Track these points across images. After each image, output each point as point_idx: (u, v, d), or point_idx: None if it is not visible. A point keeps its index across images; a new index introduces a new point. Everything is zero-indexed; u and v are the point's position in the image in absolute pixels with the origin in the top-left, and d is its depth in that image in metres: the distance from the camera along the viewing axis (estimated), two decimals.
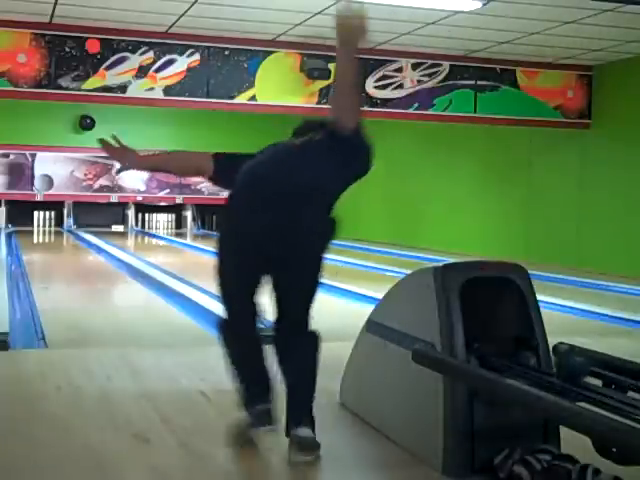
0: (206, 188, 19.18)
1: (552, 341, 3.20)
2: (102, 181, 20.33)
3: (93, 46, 8.93)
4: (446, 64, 10.17)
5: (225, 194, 3.36)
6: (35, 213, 20.93)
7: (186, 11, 8.32)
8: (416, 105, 10.12)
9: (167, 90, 9.21)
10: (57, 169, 20.08)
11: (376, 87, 9.93)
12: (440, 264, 3.23)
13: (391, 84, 10.00)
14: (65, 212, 20.90)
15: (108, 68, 8.99)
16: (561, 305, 7.50)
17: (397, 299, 3.53)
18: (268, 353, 3.36)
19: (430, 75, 10.13)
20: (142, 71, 9.09)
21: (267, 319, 6.50)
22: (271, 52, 9.54)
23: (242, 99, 9.46)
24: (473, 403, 2.94)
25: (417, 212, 15.30)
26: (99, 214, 20.89)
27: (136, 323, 6.63)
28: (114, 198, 20.42)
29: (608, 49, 9.83)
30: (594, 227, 11.04)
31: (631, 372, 2.92)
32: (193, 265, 11.92)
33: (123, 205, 21.08)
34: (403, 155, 16.00)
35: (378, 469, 3.14)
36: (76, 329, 6.19)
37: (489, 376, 2.82)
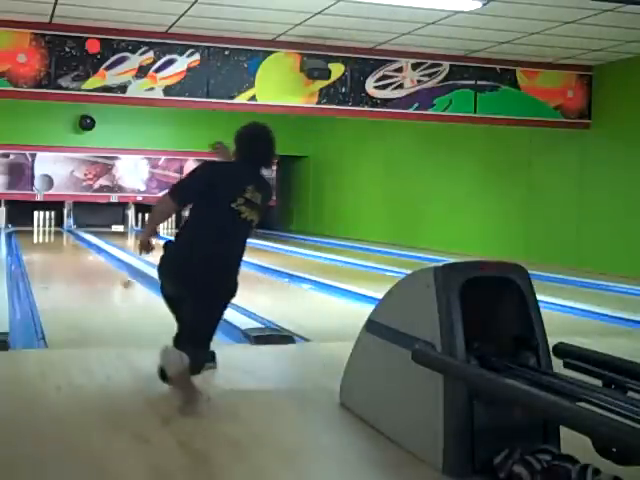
0: None
1: (552, 341, 3.21)
2: (102, 181, 20.34)
3: (93, 46, 8.93)
4: (446, 64, 10.17)
5: None
6: (35, 213, 20.94)
7: (186, 11, 8.32)
8: (416, 105, 10.12)
9: (167, 90, 9.22)
10: (57, 169, 20.09)
11: (376, 87, 9.93)
12: (440, 264, 3.23)
13: (391, 84, 10.00)
14: (65, 212, 20.92)
15: (108, 68, 8.99)
16: (561, 305, 7.50)
17: (397, 299, 3.53)
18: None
19: (430, 75, 10.13)
20: (142, 71, 9.09)
21: (267, 319, 6.49)
22: (271, 52, 9.54)
23: (242, 99, 9.46)
24: (473, 403, 2.94)
25: (417, 212, 15.31)
26: (99, 214, 20.90)
27: (136, 323, 6.64)
28: (114, 198, 20.44)
29: (608, 49, 9.83)
30: (594, 227, 11.04)
31: (631, 372, 2.92)
32: None
33: (123, 205, 21.09)
34: (403, 155, 16.02)
35: (378, 469, 3.14)
36: (76, 329, 6.19)
37: (489, 376, 2.82)
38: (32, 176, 19.93)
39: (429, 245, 14.31)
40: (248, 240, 4.40)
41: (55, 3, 8.01)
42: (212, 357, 4.54)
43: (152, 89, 9.18)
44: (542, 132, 11.41)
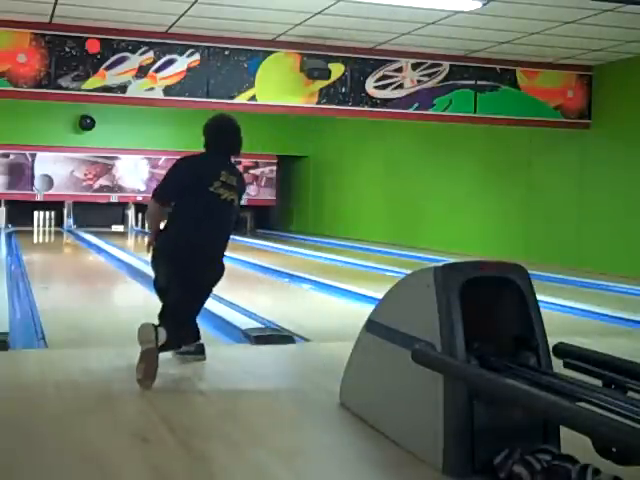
0: None
1: (552, 341, 3.21)
2: (102, 181, 20.34)
3: (93, 46, 8.93)
4: (446, 64, 10.17)
5: None
6: (35, 213, 20.94)
7: (186, 11, 8.32)
8: (416, 105, 10.12)
9: (167, 90, 9.21)
10: (57, 169, 20.09)
11: (376, 87, 9.93)
12: (440, 264, 3.23)
13: (391, 84, 10.00)
14: (65, 212, 20.92)
15: (108, 68, 8.98)
16: (561, 305, 7.50)
17: (397, 299, 3.53)
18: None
19: (430, 75, 10.12)
20: (142, 71, 9.09)
21: (267, 319, 6.48)
22: (271, 52, 9.53)
23: (242, 99, 9.46)
24: (473, 403, 2.94)
25: (417, 212, 15.31)
26: (99, 214, 20.90)
27: (136, 323, 6.60)
28: (114, 198, 20.44)
29: (608, 49, 9.83)
30: (594, 227, 11.04)
31: (631, 372, 2.92)
32: None
33: (123, 205, 21.09)
34: (403, 155, 16.02)
35: (378, 469, 3.14)
36: (76, 329, 6.19)
37: (489, 376, 2.82)
38: (32, 176, 19.93)
39: (429, 245, 14.31)
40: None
41: (55, 3, 8.01)
42: (201, 350, 4.81)
43: (152, 89, 9.18)
44: (542, 132, 11.40)
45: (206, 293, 4.78)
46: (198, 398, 4.02)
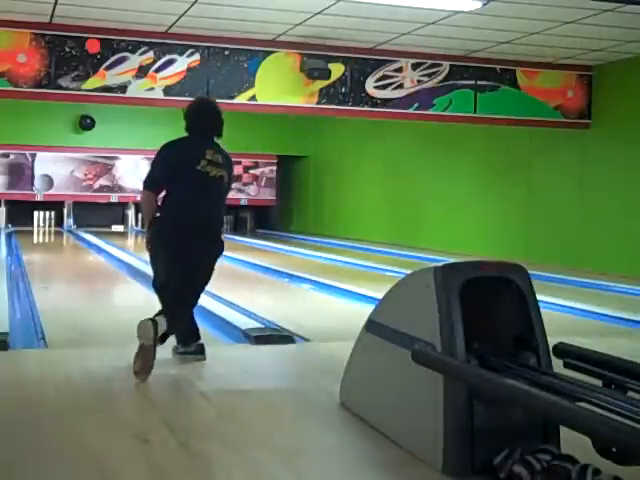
0: None
1: (552, 341, 3.21)
2: (102, 181, 20.34)
3: (93, 46, 8.93)
4: (446, 64, 10.17)
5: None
6: (35, 213, 20.94)
7: (186, 11, 8.32)
8: (416, 105, 10.12)
9: (167, 90, 9.21)
10: (57, 169, 20.09)
11: (376, 87, 9.93)
12: (440, 264, 3.23)
13: (391, 84, 10.00)
14: (65, 212, 20.91)
15: (108, 68, 8.98)
16: (561, 305, 7.50)
17: (397, 299, 3.53)
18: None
19: (430, 75, 10.12)
20: (142, 71, 9.09)
21: (267, 319, 6.48)
22: (271, 52, 9.53)
23: (242, 99, 9.46)
24: (473, 403, 2.94)
25: (417, 212, 15.31)
26: (99, 214, 20.90)
27: (136, 323, 6.62)
28: (114, 198, 20.44)
29: (608, 49, 9.82)
30: (594, 227, 11.04)
31: (631, 372, 2.92)
32: None
33: (123, 205, 21.09)
34: (403, 155, 16.02)
35: (378, 469, 3.14)
36: (76, 329, 6.19)
37: (489, 376, 2.82)
38: (32, 176, 19.93)
39: (429, 245, 14.31)
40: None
41: (55, 3, 8.01)
42: (201, 350, 4.82)
43: (152, 89, 9.17)
44: (542, 132, 11.40)
45: (207, 272, 4.78)
46: (198, 398, 4.02)
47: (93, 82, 8.97)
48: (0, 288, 7.81)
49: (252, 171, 21.31)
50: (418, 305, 3.24)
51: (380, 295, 3.71)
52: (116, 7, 8.20)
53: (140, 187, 4.84)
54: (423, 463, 3.04)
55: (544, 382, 2.83)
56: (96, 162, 20.27)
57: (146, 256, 4.89)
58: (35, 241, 18.04)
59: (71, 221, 20.86)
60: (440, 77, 10.16)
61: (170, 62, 9.20)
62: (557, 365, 3.17)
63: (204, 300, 6.69)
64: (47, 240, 18.70)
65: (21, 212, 20.34)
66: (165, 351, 4.67)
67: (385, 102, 10.01)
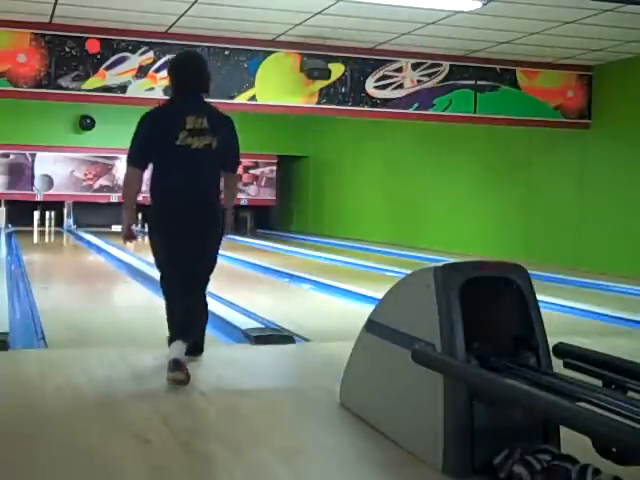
0: None
1: (552, 341, 3.21)
2: (102, 181, 20.34)
3: (93, 46, 8.93)
4: (446, 64, 10.17)
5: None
6: (35, 213, 20.93)
7: (186, 11, 8.32)
8: (416, 105, 10.12)
9: (167, 90, 9.18)
10: (57, 169, 20.09)
11: (376, 87, 9.93)
12: (440, 264, 3.23)
13: (391, 84, 10.00)
14: (65, 212, 20.92)
15: (108, 68, 8.99)
16: (561, 305, 7.50)
17: (397, 299, 3.53)
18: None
19: (430, 75, 10.13)
20: (142, 71, 9.09)
21: (267, 319, 6.47)
22: (271, 52, 9.54)
23: (242, 99, 9.46)
24: (473, 403, 2.94)
25: (417, 212, 15.31)
26: (99, 214, 20.90)
27: (136, 323, 6.64)
28: (114, 198, 20.42)
29: (608, 49, 9.83)
30: (594, 227, 11.04)
31: (631, 372, 2.92)
32: None
33: (123, 205, 21.06)
34: (403, 155, 16.02)
35: (378, 469, 3.14)
36: (76, 329, 6.19)
37: (489, 376, 2.82)
38: (32, 176, 19.93)
39: (429, 245, 14.31)
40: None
41: (55, 3, 8.01)
42: (199, 349, 4.67)
43: (152, 89, 9.18)
44: (542, 132, 11.40)
45: (202, 255, 4.46)
46: (198, 398, 4.02)
47: (93, 82, 8.97)
48: (0, 288, 7.80)
49: (252, 171, 21.31)
50: (418, 305, 3.24)
51: (380, 295, 3.71)
52: (116, 7, 8.20)
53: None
54: (423, 463, 3.04)
55: (544, 382, 2.83)
56: (96, 162, 20.27)
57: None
58: (35, 241, 18.04)
59: (71, 221, 20.87)
60: (440, 77, 10.16)
61: None
62: (557, 365, 3.17)
63: None
64: (47, 240, 18.70)
65: (21, 212, 20.34)
66: (165, 351, 4.66)
67: (385, 102, 10.01)
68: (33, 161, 19.93)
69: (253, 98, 9.50)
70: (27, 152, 19.74)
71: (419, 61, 10.09)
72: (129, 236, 4.63)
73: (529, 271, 3.27)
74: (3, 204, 20.37)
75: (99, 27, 8.87)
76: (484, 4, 7.90)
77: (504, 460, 2.82)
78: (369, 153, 17.40)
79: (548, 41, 9.36)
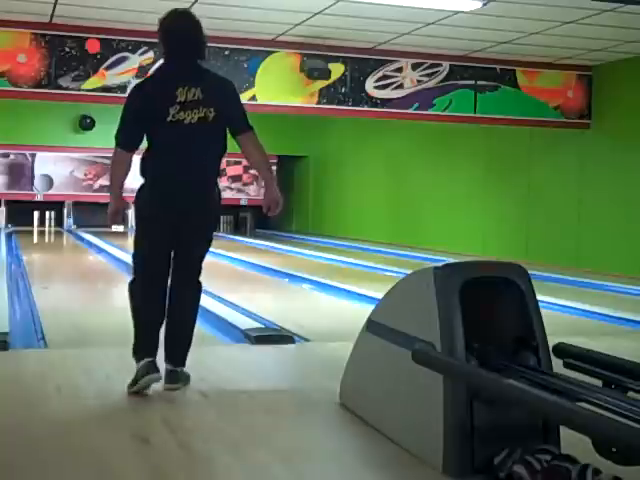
0: None
1: (552, 341, 3.21)
2: (102, 181, 20.33)
3: (93, 46, 8.93)
4: (446, 64, 10.17)
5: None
6: (35, 213, 20.94)
7: None
8: (416, 105, 10.12)
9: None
10: (57, 169, 20.09)
11: (376, 87, 9.93)
12: (440, 264, 3.23)
13: (391, 84, 10.00)
14: (65, 212, 20.91)
15: (108, 68, 8.99)
16: (561, 305, 7.49)
17: (397, 299, 3.53)
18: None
19: (430, 75, 10.12)
20: (142, 71, 9.09)
21: (267, 319, 6.47)
22: (271, 52, 9.54)
23: (242, 99, 9.42)
24: (473, 403, 2.94)
25: (417, 212, 15.31)
26: (99, 214, 20.87)
27: None
28: None
29: (608, 49, 9.82)
30: (594, 227, 11.04)
31: (631, 372, 2.92)
32: None
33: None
34: (403, 155, 16.02)
35: (378, 469, 3.13)
36: (76, 329, 6.19)
37: (489, 376, 2.82)
38: (32, 176, 19.94)
39: (429, 245, 14.31)
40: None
41: (55, 3, 8.01)
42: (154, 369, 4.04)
43: None
44: (542, 132, 11.40)
45: (191, 247, 4.12)
46: (198, 398, 4.02)
47: (93, 82, 8.97)
48: (0, 288, 7.80)
49: (252, 171, 21.30)
50: (418, 305, 3.24)
51: (380, 295, 3.71)
52: (116, 7, 8.20)
53: None
54: (423, 463, 3.04)
55: (544, 382, 2.83)
56: (96, 162, 20.27)
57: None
58: (35, 241, 18.04)
59: (71, 221, 20.86)
60: (440, 77, 10.16)
61: None
62: (557, 365, 3.17)
63: (204, 300, 6.71)
64: (47, 240, 18.70)
65: (21, 212, 20.34)
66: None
67: (385, 102, 10.01)
68: (33, 161, 19.93)
69: (253, 98, 9.50)
70: (27, 152, 19.74)
71: (419, 61, 10.09)
72: (114, 219, 4.39)
73: (529, 271, 3.27)
74: (3, 204, 20.37)
75: (99, 27, 8.87)
76: (484, 4, 7.90)
77: (504, 460, 2.82)
78: (369, 153, 17.40)
79: (548, 41, 9.36)
